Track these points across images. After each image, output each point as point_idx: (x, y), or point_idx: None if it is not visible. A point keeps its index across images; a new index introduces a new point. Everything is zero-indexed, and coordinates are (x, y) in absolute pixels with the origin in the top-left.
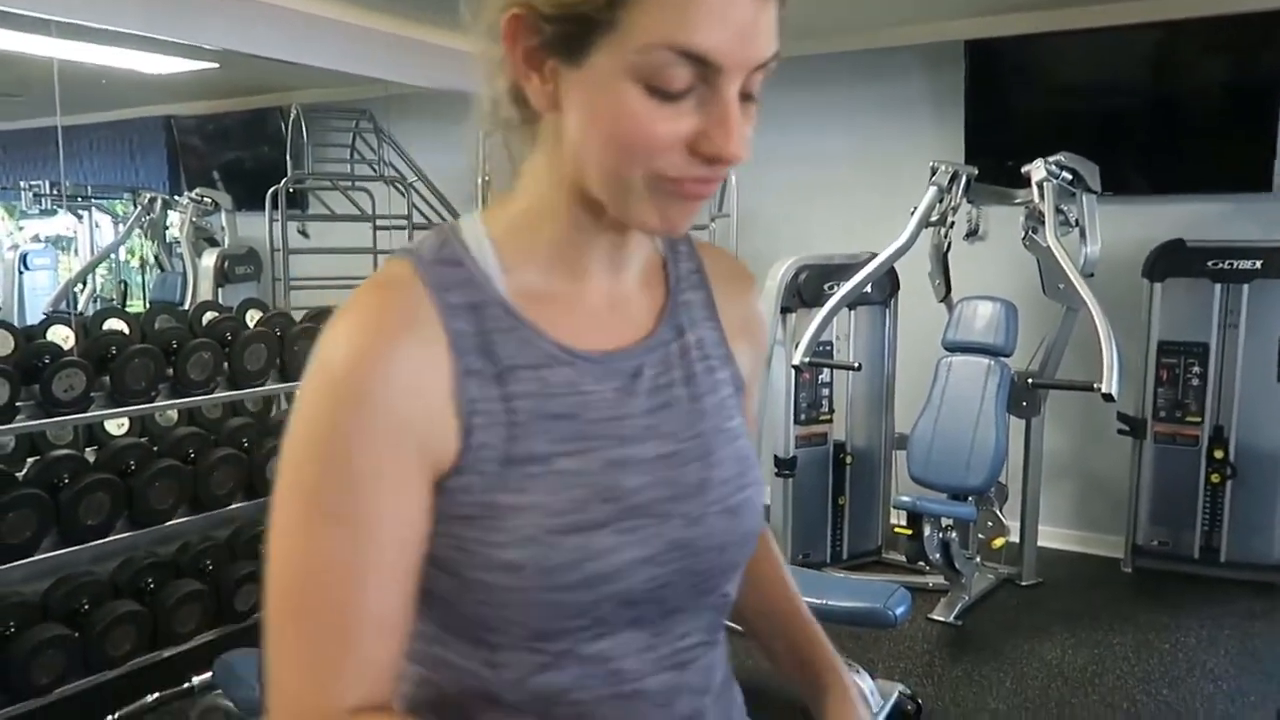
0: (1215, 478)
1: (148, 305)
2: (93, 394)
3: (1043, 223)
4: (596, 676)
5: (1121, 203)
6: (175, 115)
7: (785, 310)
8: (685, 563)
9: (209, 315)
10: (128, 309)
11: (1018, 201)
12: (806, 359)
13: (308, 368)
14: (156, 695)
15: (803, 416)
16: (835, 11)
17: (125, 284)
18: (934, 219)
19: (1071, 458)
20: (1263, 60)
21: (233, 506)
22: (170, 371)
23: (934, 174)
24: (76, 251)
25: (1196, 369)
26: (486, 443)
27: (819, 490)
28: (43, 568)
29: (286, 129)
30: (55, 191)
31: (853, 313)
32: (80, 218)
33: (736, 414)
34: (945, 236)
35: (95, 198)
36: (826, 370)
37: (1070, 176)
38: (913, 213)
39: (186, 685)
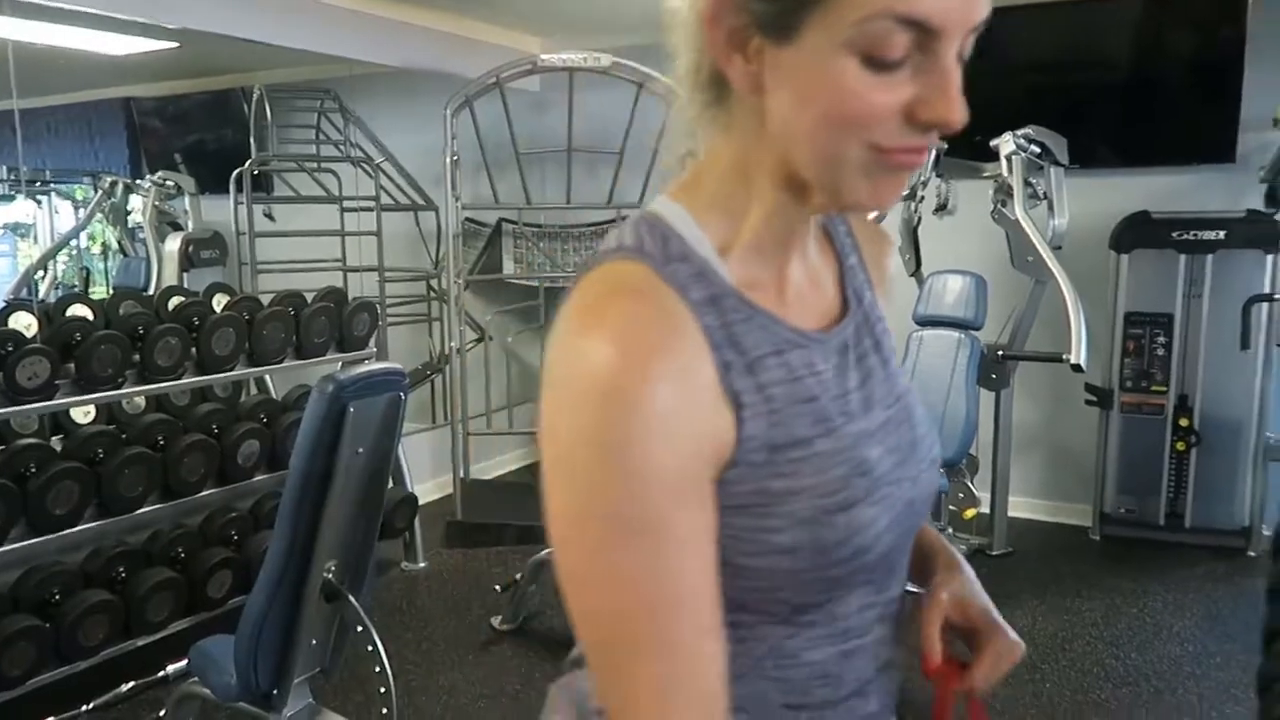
0: (1180, 446)
1: (111, 292)
2: (57, 381)
3: (1011, 196)
4: (830, 637)
5: (1088, 176)
6: (135, 97)
7: None
8: (911, 520)
9: (175, 300)
10: (90, 296)
11: (986, 175)
12: None
13: (557, 382)
14: (131, 685)
15: None
16: None
17: (87, 270)
18: (904, 193)
19: (1040, 429)
20: (1224, 33)
21: (204, 493)
22: (137, 358)
23: None
24: (36, 238)
25: (1162, 339)
26: (754, 433)
27: None
28: (11, 558)
29: (250, 110)
30: (13, 177)
31: None
32: (39, 203)
33: (899, 373)
34: (915, 211)
35: (54, 182)
36: None
37: (1038, 150)
38: None
39: (161, 674)
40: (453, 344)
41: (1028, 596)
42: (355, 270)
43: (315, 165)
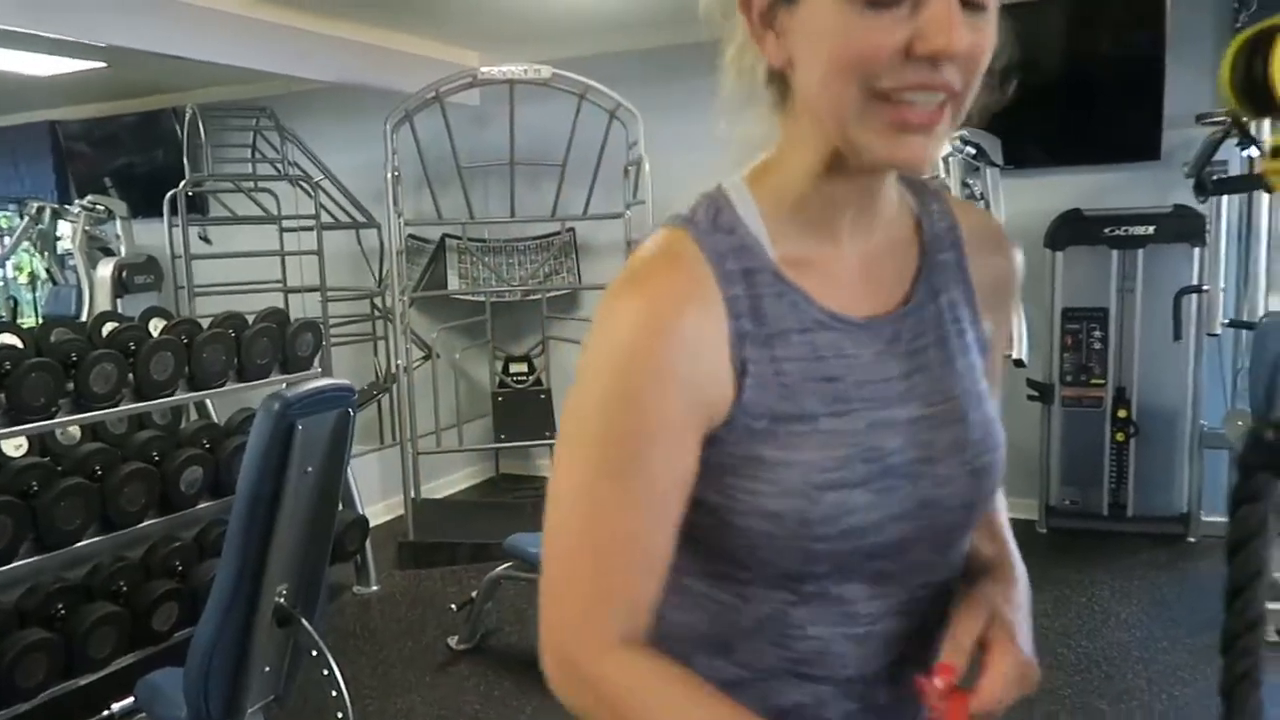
0: (1120, 437)
1: (40, 321)
2: None
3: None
4: (834, 616)
5: (1022, 176)
6: (61, 120)
7: None
8: (931, 520)
9: (109, 326)
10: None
11: (924, 177)
12: None
13: (592, 335)
14: None
15: None
16: None
17: (14, 301)
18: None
19: None
20: (1145, 36)
21: (145, 524)
22: (71, 386)
23: None
24: None
25: (1098, 333)
26: (757, 400)
27: None
28: None
29: (182, 130)
30: None
31: None
32: None
33: (983, 376)
34: None
35: None
36: None
37: (974, 151)
38: None
39: (106, 713)
40: (399, 362)
41: None
42: (296, 290)
43: (252, 185)
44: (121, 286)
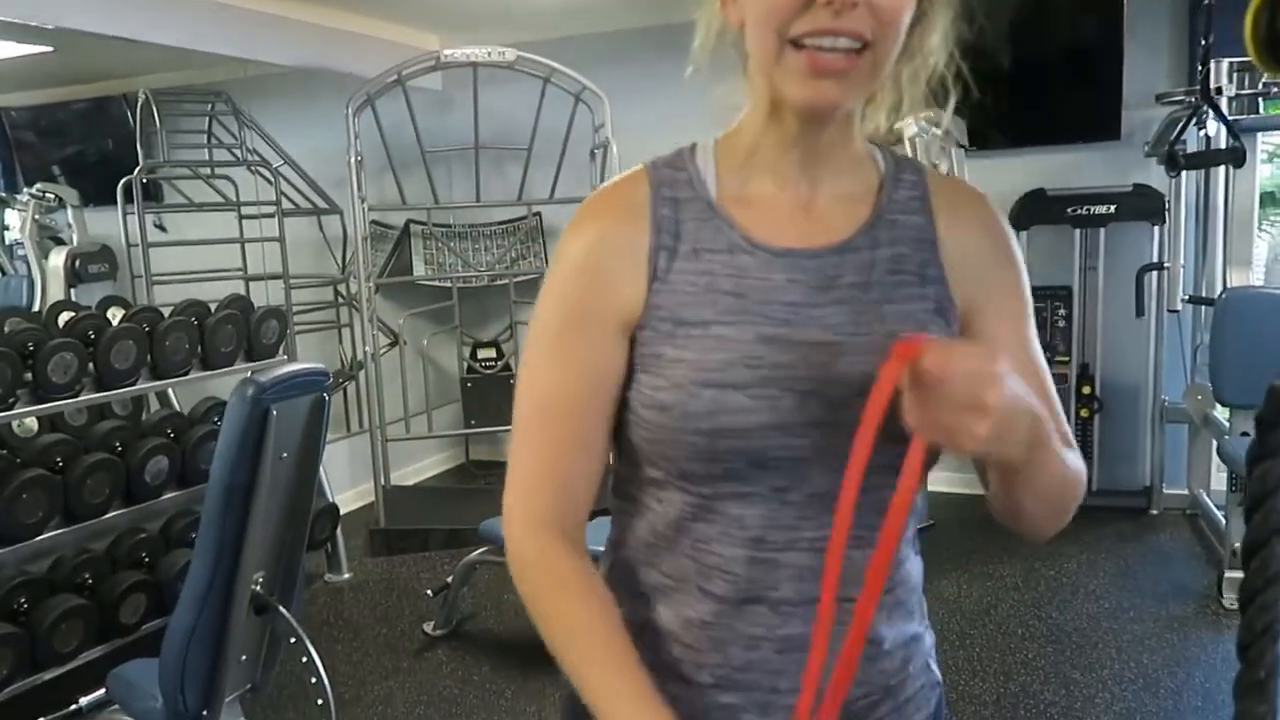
0: (1084, 412)
1: None
2: None
3: None
4: (738, 538)
5: (985, 157)
6: (6, 107)
7: None
8: (826, 443)
9: (66, 315)
10: None
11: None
12: None
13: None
14: None
15: None
16: None
17: None
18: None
19: None
20: (1103, 18)
21: (110, 515)
22: (29, 376)
23: None
24: None
25: (1063, 311)
26: (663, 304)
27: None
28: None
29: (134, 116)
30: None
31: None
32: None
33: (932, 328)
34: None
35: None
36: None
37: (939, 133)
38: None
39: (74, 707)
40: (366, 349)
41: (951, 567)
42: (258, 278)
43: (209, 171)
44: (75, 276)
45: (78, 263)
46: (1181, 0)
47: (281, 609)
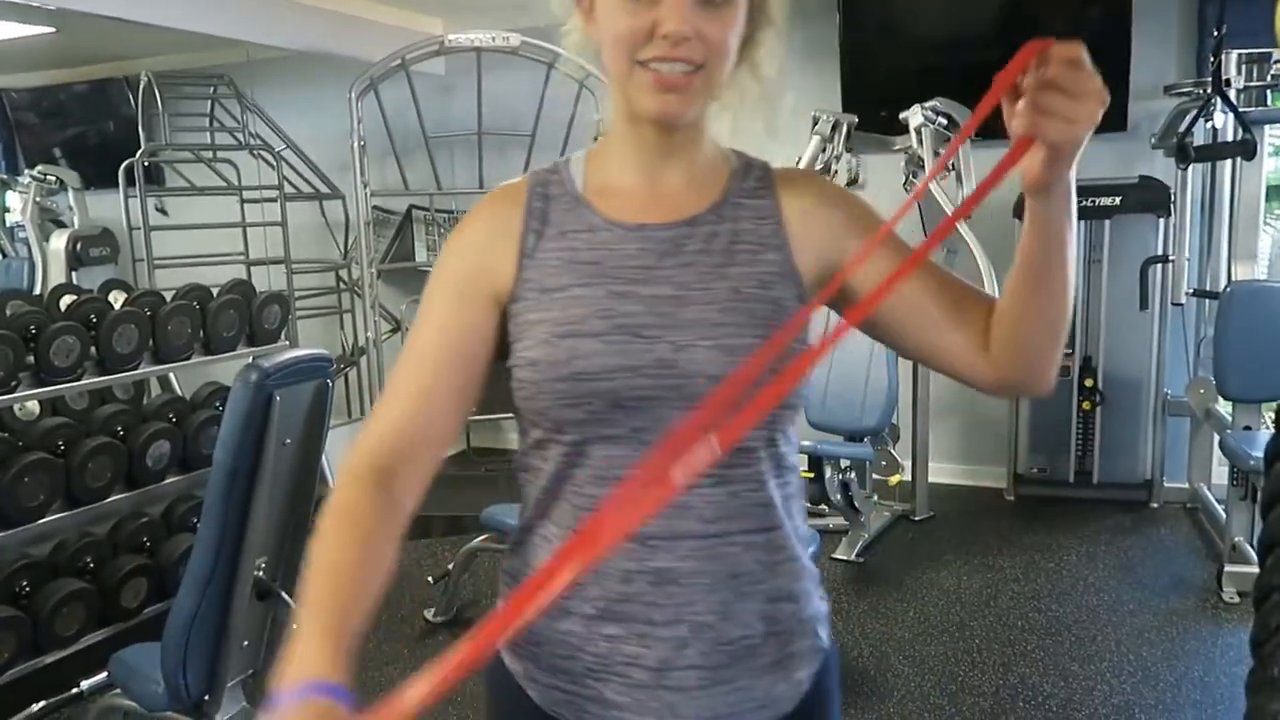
0: (1086, 405)
1: None
2: None
3: (922, 168)
4: (606, 478)
5: (991, 147)
6: (8, 89)
7: None
8: (673, 381)
9: (67, 298)
10: None
11: (897, 148)
12: None
13: None
14: (42, 704)
15: None
16: None
17: None
18: (818, 168)
19: (956, 396)
20: (1112, 7)
21: (111, 499)
22: (31, 359)
23: (816, 124)
24: None
25: None
26: (532, 278)
27: None
28: None
29: (136, 99)
30: None
31: None
32: None
33: (774, 287)
34: None
35: None
36: None
37: (945, 121)
38: (798, 163)
39: (75, 690)
40: (368, 335)
41: (951, 558)
42: (259, 263)
43: (211, 155)
44: (76, 259)
45: (79, 246)
46: None
47: (284, 594)
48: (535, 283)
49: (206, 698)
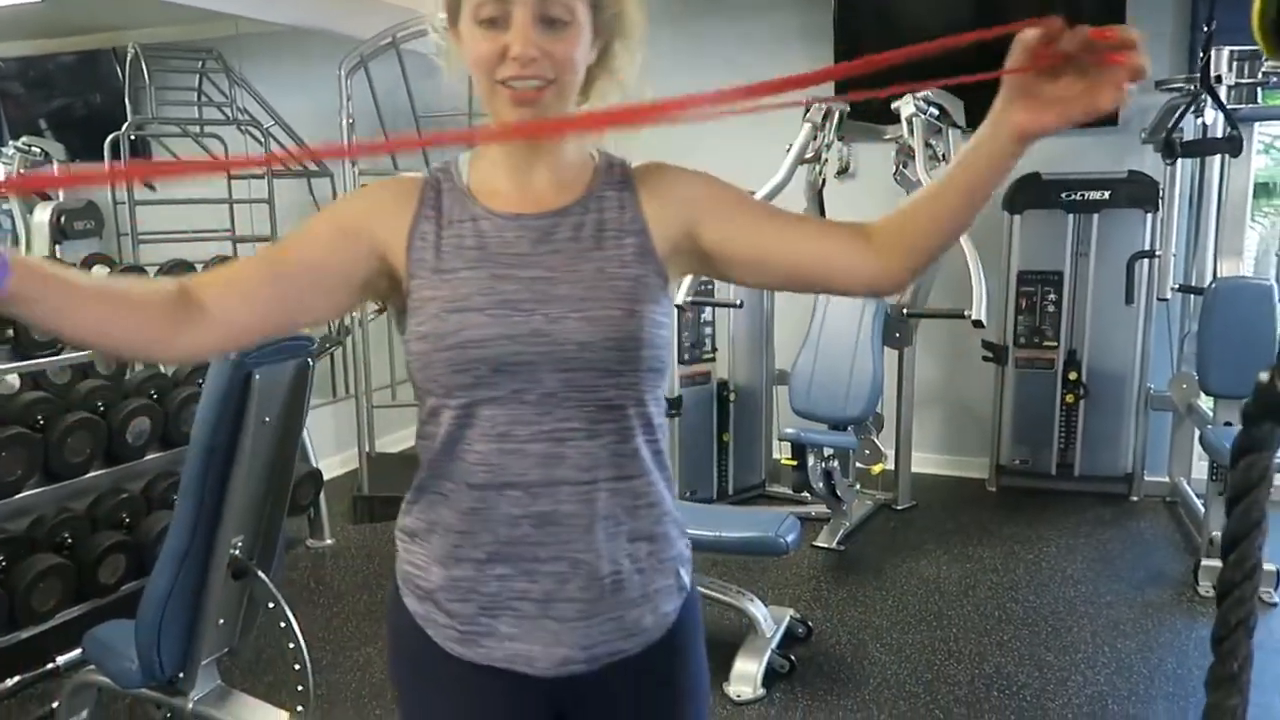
0: (1070, 398)
1: None
2: None
3: (913, 158)
4: (491, 434)
5: None
6: None
7: None
8: (548, 348)
9: None
10: None
11: (888, 137)
12: (689, 298)
13: None
14: (17, 679)
15: (686, 356)
16: None
17: None
18: (809, 156)
19: (940, 386)
20: (1105, 1)
21: (90, 475)
22: (10, 333)
23: (807, 111)
24: None
25: (1052, 296)
26: (424, 259)
27: (704, 428)
28: None
29: (123, 72)
30: None
31: None
32: None
33: (634, 266)
34: (819, 174)
35: None
36: (708, 309)
37: (937, 112)
38: (788, 150)
39: (51, 665)
40: (354, 315)
41: (932, 547)
42: (246, 240)
43: (199, 130)
44: (60, 232)
45: (63, 219)
46: None
47: (260, 574)
48: (429, 264)
49: (181, 675)
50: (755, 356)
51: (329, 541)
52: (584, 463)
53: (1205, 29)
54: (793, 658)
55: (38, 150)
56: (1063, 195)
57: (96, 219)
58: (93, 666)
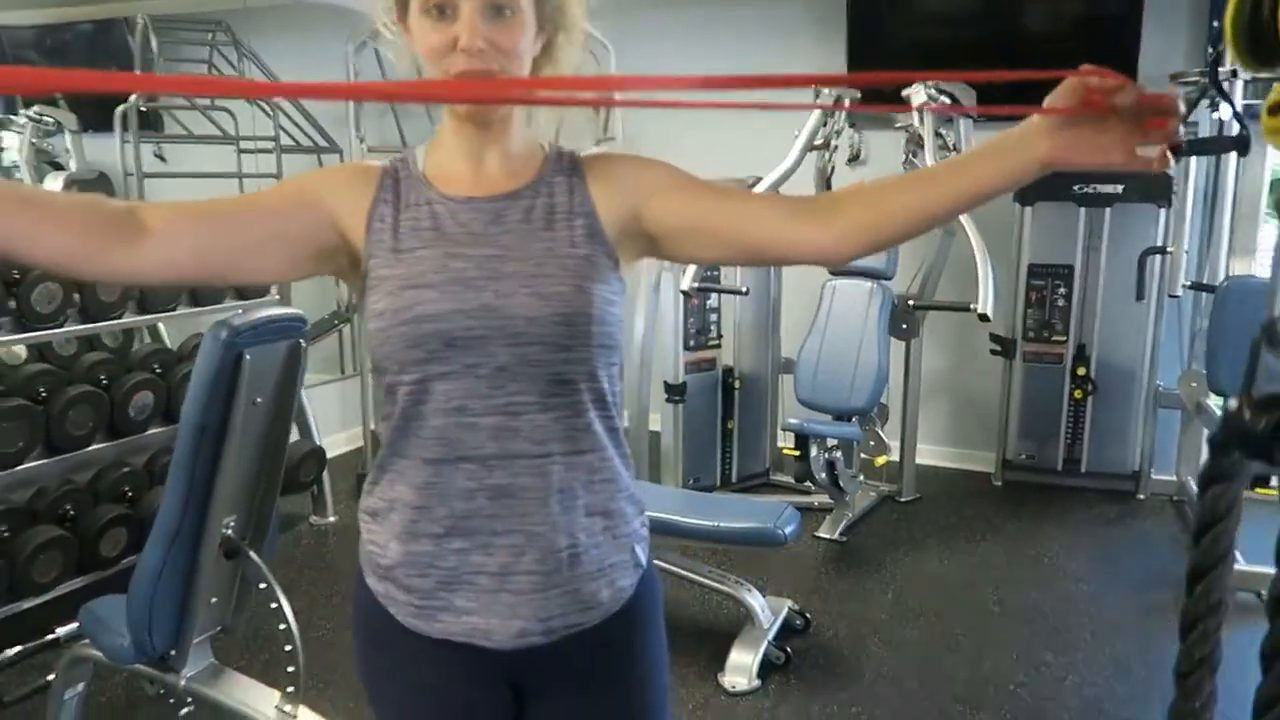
0: (1078, 394)
1: None
2: None
3: (922, 147)
4: (445, 409)
5: (994, 128)
6: (7, 25)
7: None
8: (498, 323)
9: None
10: None
11: (898, 126)
12: (695, 284)
13: None
14: (18, 649)
15: (691, 343)
16: None
17: None
18: (818, 143)
19: (947, 378)
20: None
21: (92, 448)
22: (13, 304)
23: (817, 97)
24: None
25: (1062, 290)
26: (382, 239)
27: (708, 415)
28: None
29: (134, 42)
30: None
31: None
32: None
33: (583, 246)
34: (829, 160)
35: None
36: (714, 295)
37: (948, 101)
38: (797, 136)
39: (50, 637)
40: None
41: (934, 541)
42: None
43: (208, 102)
44: None
45: (74, 189)
46: None
47: (252, 554)
48: (388, 245)
49: (173, 652)
50: (761, 344)
51: (332, 519)
52: (537, 435)
53: (1215, 24)
54: (789, 650)
55: (50, 120)
56: (1075, 188)
57: (107, 190)
58: (88, 641)
